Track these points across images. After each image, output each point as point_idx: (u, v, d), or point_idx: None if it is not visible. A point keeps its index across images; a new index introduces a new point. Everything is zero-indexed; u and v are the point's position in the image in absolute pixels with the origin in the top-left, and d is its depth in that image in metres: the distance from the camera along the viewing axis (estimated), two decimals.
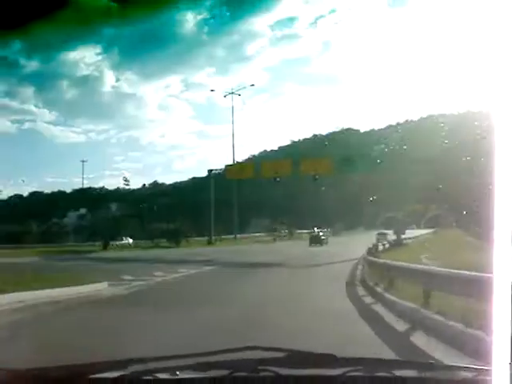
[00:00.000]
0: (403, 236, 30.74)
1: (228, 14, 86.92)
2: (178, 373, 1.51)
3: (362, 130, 77.03)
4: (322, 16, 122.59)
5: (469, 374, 1.51)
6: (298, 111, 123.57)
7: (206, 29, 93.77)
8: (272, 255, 27.55)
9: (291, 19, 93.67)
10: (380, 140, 51.56)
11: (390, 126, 68.33)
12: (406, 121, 69.36)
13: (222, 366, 1.55)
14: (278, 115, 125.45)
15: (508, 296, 1.05)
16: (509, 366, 1.23)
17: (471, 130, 24.61)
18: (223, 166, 47.50)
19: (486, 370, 1.42)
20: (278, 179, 36.06)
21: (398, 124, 67.70)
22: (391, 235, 31.40)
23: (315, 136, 76.81)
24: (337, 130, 77.20)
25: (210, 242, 43.87)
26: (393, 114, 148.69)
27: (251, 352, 1.64)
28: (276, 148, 78.25)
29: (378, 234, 31.54)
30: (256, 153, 79.48)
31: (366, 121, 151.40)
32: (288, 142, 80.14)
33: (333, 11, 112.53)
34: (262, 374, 1.51)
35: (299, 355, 1.63)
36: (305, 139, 77.98)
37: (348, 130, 75.72)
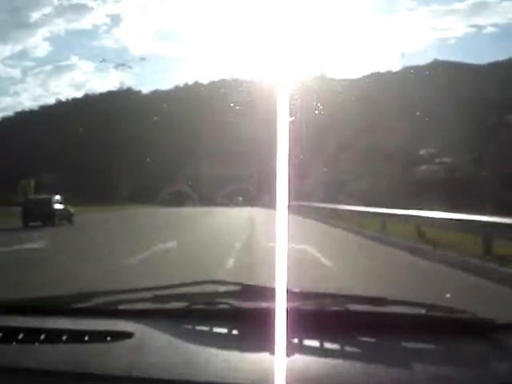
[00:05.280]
0: None
1: None
2: (136, 305, 1.80)
3: None
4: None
5: (420, 310, 1.75)
6: None
7: None
8: None
9: None
10: None
11: None
12: None
13: (180, 299, 1.83)
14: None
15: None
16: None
17: None
18: None
19: (436, 305, 1.79)
20: None
21: None
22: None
23: None
24: None
25: None
26: None
27: (209, 286, 1.95)
28: None
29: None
30: None
31: None
32: None
33: None
34: (218, 306, 1.77)
35: (254, 288, 1.86)
36: None
37: None
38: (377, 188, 38.47)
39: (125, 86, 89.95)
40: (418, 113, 44.57)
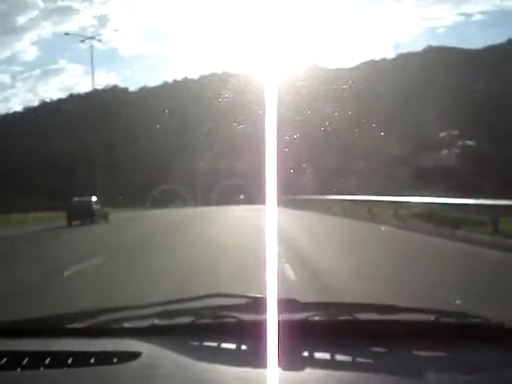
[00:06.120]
0: None
1: None
2: (142, 322, 1.83)
3: None
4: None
5: (430, 316, 1.78)
6: None
7: None
8: None
9: None
10: None
11: None
12: None
13: (185, 314, 1.85)
14: None
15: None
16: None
17: None
18: None
19: (446, 311, 1.83)
20: None
21: None
22: None
23: None
24: None
25: None
26: None
27: (214, 299, 1.95)
28: None
29: None
30: None
31: None
32: None
33: None
34: (224, 320, 1.79)
35: (261, 301, 1.84)
36: None
37: None
38: (391, 177, 38.09)
39: (109, 86, 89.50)
40: (425, 95, 44.09)
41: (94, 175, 53.68)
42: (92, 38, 62.42)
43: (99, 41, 74.57)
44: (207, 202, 54.19)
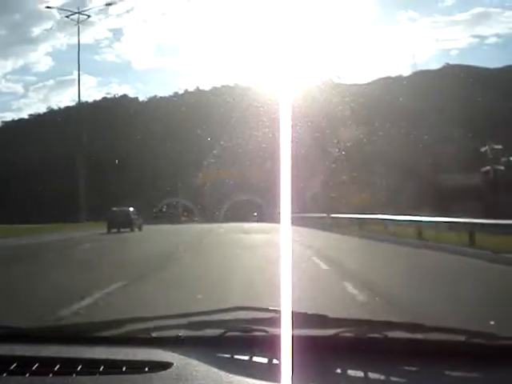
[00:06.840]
0: None
1: None
2: (171, 332, 1.86)
3: None
4: (113, 2, 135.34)
5: (460, 337, 1.79)
6: None
7: None
8: None
9: (81, 2, 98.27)
10: None
11: None
12: None
13: (215, 326, 1.87)
14: None
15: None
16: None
17: None
18: None
19: (476, 332, 1.83)
20: None
21: None
22: None
23: None
24: None
25: None
26: None
27: (243, 312, 1.98)
28: None
29: None
30: None
31: None
32: None
33: None
34: (254, 333, 1.81)
35: (291, 315, 1.85)
36: None
37: None
38: (408, 195, 37.11)
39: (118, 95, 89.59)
40: (442, 111, 43.43)
41: (94, 187, 52.63)
42: (78, 13, 59.65)
43: (88, 16, 70.17)
44: (218, 218, 51.85)
